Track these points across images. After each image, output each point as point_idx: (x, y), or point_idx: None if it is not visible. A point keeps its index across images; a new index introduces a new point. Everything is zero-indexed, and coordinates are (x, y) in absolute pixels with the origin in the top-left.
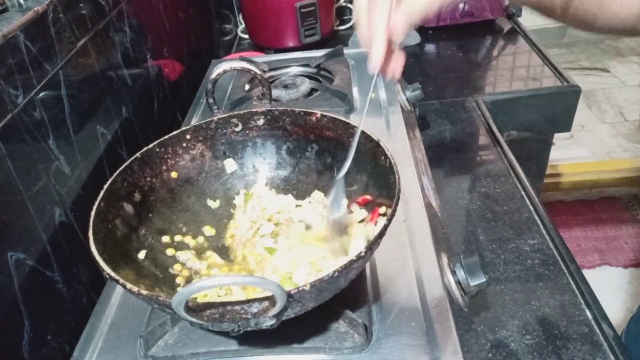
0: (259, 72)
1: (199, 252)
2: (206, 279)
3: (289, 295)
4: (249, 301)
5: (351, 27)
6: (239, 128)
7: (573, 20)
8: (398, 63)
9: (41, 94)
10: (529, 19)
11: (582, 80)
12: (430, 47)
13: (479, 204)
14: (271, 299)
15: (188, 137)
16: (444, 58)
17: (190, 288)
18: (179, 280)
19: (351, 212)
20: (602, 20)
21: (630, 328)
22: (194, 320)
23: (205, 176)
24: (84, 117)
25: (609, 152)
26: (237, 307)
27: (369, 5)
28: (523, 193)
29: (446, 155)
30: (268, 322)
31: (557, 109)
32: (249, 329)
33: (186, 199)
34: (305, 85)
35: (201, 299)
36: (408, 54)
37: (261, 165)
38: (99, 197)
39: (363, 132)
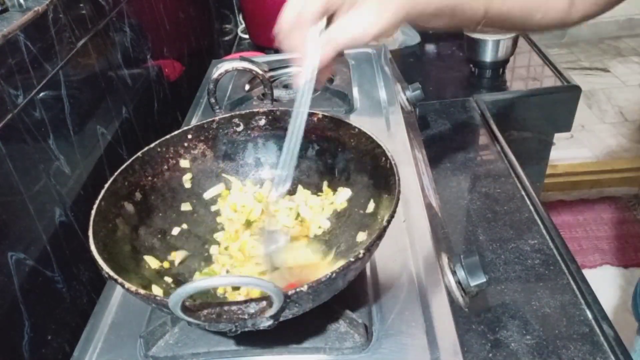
0: (260, 72)
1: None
2: (203, 279)
3: (286, 296)
4: (246, 302)
5: None
6: (241, 128)
7: (489, 27)
8: (323, 75)
9: (41, 94)
10: None
11: (582, 80)
12: (430, 47)
13: (479, 204)
14: (268, 300)
15: (189, 136)
16: (444, 58)
17: (187, 288)
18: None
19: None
20: (525, 27)
21: None
22: (190, 320)
23: (206, 176)
24: (84, 117)
25: (609, 152)
26: (234, 308)
27: (297, 18)
28: (523, 193)
29: (446, 155)
30: (265, 323)
31: (557, 108)
32: (246, 329)
33: (187, 199)
34: None
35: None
36: (408, 54)
37: (262, 166)
38: (100, 196)
39: (364, 133)
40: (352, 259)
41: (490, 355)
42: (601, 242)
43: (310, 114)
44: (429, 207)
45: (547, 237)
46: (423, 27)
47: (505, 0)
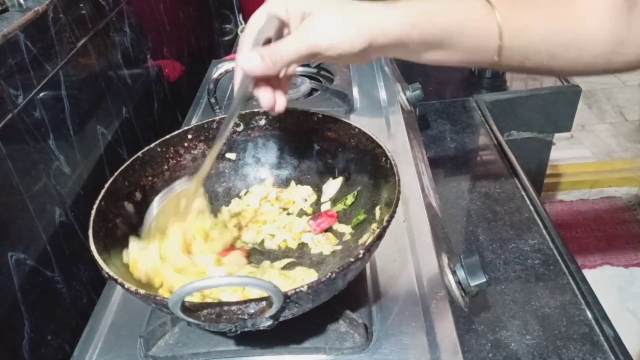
0: None
1: None
2: (203, 279)
3: (286, 296)
4: (245, 302)
5: None
6: (241, 128)
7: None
8: (279, 100)
9: (41, 94)
10: None
11: (582, 80)
12: None
13: (479, 204)
14: (268, 300)
15: (190, 136)
16: None
17: (186, 288)
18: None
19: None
20: (560, 69)
21: None
22: (190, 320)
23: (206, 176)
24: (84, 117)
25: (609, 152)
26: (234, 308)
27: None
28: (523, 193)
29: (446, 155)
30: (265, 323)
31: (557, 108)
32: (246, 329)
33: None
34: (306, 85)
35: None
36: None
37: (262, 166)
38: (100, 196)
39: (364, 133)
40: (352, 259)
41: (490, 355)
42: (601, 242)
43: (311, 114)
44: (429, 207)
45: (547, 237)
46: (417, 59)
47: (520, 30)
